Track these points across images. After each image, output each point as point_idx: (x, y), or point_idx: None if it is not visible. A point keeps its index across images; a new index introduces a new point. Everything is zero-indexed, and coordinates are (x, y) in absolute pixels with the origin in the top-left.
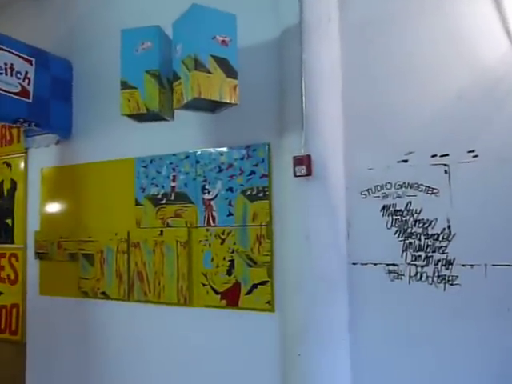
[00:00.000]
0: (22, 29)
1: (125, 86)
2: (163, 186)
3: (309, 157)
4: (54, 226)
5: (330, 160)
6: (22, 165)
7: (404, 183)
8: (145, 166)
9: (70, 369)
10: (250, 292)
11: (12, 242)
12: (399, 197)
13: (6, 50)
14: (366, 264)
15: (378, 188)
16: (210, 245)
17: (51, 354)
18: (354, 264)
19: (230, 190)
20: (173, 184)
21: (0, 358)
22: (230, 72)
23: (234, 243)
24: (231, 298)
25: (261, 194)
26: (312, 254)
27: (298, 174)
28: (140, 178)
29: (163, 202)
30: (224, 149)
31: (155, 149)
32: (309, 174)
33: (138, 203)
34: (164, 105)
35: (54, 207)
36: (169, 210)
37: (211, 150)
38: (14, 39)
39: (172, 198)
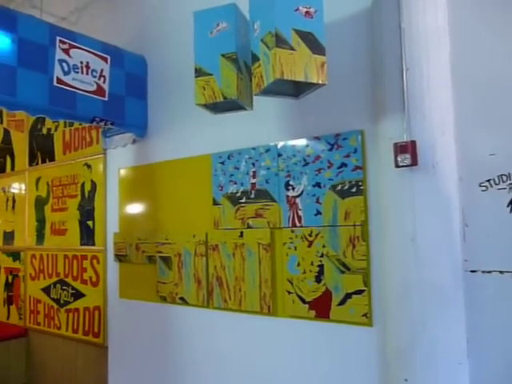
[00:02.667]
0: (97, 27)
1: (199, 73)
2: (242, 184)
3: (413, 143)
4: (132, 228)
5: (440, 146)
6: (101, 166)
7: None
8: (222, 162)
9: (150, 375)
10: (342, 302)
11: (93, 244)
12: None
13: (81, 49)
14: (488, 272)
15: (503, 178)
16: (295, 248)
17: (132, 358)
18: (472, 272)
19: (318, 185)
20: (253, 181)
21: (85, 359)
22: (316, 48)
23: (324, 246)
24: (321, 308)
25: (354, 189)
26: (419, 259)
27: (400, 163)
28: (217, 175)
29: (243, 200)
30: (309, 139)
31: (232, 143)
32: (414, 163)
33: (215, 202)
34: (242, 92)
35: (131, 208)
36: (249, 210)
37: (295, 141)
38: (89, 37)
39: (252, 196)
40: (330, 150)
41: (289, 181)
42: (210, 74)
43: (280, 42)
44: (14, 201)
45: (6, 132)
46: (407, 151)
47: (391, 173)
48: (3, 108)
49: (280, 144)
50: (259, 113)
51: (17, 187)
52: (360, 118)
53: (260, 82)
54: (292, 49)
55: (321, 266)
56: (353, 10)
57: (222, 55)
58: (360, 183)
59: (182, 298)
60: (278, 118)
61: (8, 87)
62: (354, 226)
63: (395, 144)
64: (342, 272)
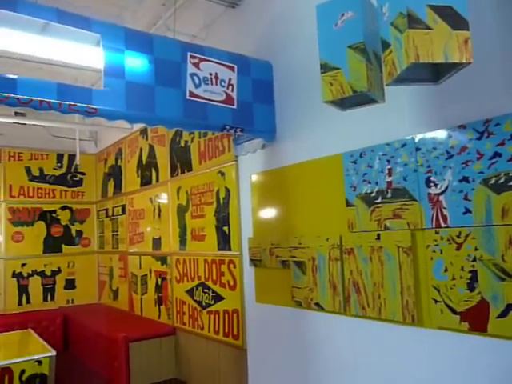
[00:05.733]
0: (224, 39)
1: (325, 68)
2: (377, 183)
3: None
4: (265, 232)
5: None
6: (234, 173)
7: None
8: (354, 162)
9: (288, 380)
10: (504, 314)
11: (229, 249)
12: None
13: (210, 61)
14: None
15: None
16: (441, 251)
17: (270, 362)
18: None
19: (465, 179)
20: (388, 179)
21: (226, 360)
22: (457, 22)
23: (476, 249)
24: (476, 320)
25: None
26: None
27: None
28: (349, 175)
29: (378, 200)
30: (452, 129)
31: (364, 140)
32: None
33: (348, 204)
34: (373, 83)
35: (264, 212)
36: (386, 210)
37: (435, 132)
38: (216, 49)
39: (389, 195)
40: (479, 138)
41: (430, 177)
42: (337, 68)
43: (413, 22)
44: (159, 210)
45: (151, 147)
46: None
47: None
48: (144, 124)
49: (418, 137)
50: (392, 105)
51: (161, 197)
52: None
53: (392, 70)
54: (428, 28)
55: (473, 272)
56: None
57: (349, 46)
58: None
59: (317, 304)
60: (414, 109)
61: (148, 105)
62: None
63: None
64: (502, 279)
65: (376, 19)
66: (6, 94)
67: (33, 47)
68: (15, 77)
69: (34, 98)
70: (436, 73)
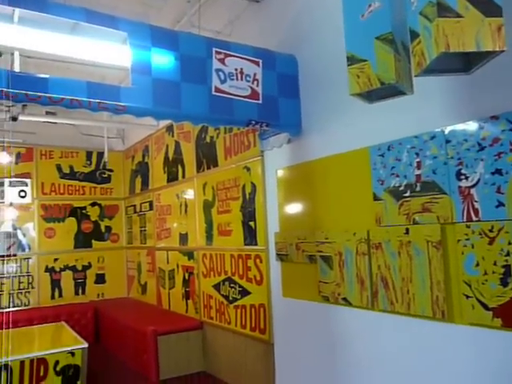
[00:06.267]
0: (249, 34)
1: (352, 60)
2: (405, 176)
3: None
4: (292, 227)
5: None
6: (259, 168)
7: None
8: (381, 155)
9: (315, 373)
10: None
11: (256, 244)
12: None
13: (235, 56)
14: None
15: None
16: (472, 245)
17: (297, 356)
18: None
19: (498, 172)
20: (417, 172)
21: (253, 354)
22: (490, 9)
23: (510, 243)
24: (509, 316)
25: None
26: None
27: None
28: (377, 168)
29: (407, 194)
30: (484, 120)
31: (392, 133)
32: None
33: (376, 198)
34: (401, 75)
35: (290, 207)
36: (414, 204)
37: (466, 123)
38: (241, 44)
39: (417, 188)
40: None
41: (460, 169)
42: (364, 60)
43: (443, 10)
44: (186, 205)
45: (177, 144)
46: None
47: None
48: (171, 120)
49: (448, 129)
50: (421, 96)
51: (188, 193)
52: None
53: (421, 61)
54: (458, 16)
55: (507, 267)
56: None
57: (377, 38)
58: None
59: (344, 299)
60: (444, 100)
61: (174, 101)
62: None
63: None
64: None
65: (404, 8)
66: (38, 94)
67: (63, 47)
68: (47, 76)
69: (65, 97)
70: (467, 62)
